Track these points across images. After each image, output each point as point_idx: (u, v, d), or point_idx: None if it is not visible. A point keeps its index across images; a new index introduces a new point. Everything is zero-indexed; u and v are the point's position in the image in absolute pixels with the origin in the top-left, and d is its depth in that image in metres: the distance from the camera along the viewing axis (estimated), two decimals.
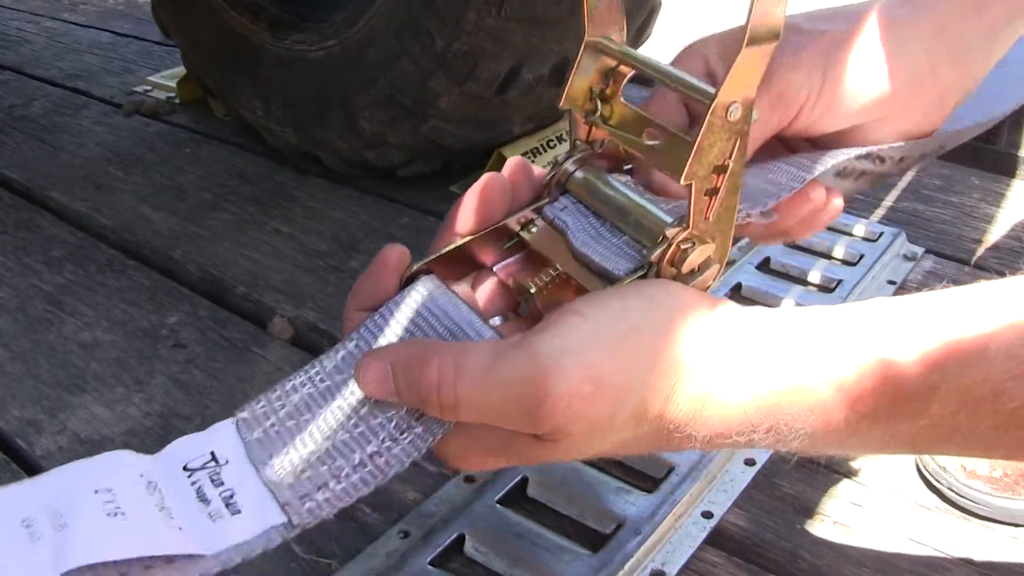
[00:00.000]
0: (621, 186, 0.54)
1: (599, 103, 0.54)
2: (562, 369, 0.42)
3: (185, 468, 0.47)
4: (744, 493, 0.81)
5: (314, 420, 0.48)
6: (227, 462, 0.47)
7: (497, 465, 0.51)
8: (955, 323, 0.44)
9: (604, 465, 0.83)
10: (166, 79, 1.87)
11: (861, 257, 1.12)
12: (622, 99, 0.53)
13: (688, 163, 0.46)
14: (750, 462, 0.83)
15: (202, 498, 0.45)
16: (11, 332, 1.10)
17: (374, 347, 0.50)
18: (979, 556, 0.76)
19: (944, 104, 0.59)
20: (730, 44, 0.57)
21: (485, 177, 0.54)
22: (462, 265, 0.54)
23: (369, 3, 1.25)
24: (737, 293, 1.07)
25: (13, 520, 0.42)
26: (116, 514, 0.43)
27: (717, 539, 0.77)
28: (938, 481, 0.81)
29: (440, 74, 1.21)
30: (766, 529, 0.78)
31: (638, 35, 1.37)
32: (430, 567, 0.74)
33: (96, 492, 0.43)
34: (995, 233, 1.22)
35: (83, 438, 0.92)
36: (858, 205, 1.29)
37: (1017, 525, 0.78)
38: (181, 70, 1.77)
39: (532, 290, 0.53)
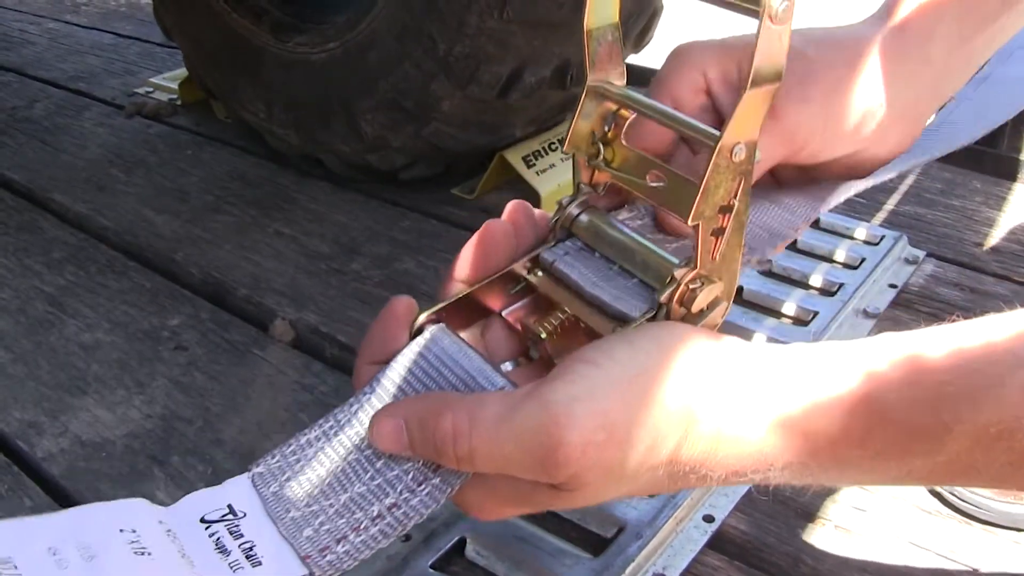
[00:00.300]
0: (626, 228, 0.55)
1: (601, 147, 0.54)
2: (574, 418, 0.43)
3: (203, 520, 0.47)
4: (746, 497, 0.81)
5: (331, 474, 0.49)
6: (245, 515, 0.48)
7: (517, 513, 0.51)
8: (967, 360, 0.44)
9: None
10: (168, 81, 1.87)
11: (863, 261, 1.12)
12: (624, 142, 0.54)
13: (695, 205, 0.47)
14: None
15: (221, 549, 0.46)
16: (12, 334, 1.10)
17: (387, 400, 0.50)
18: (981, 561, 0.76)
19: (917, 128, 0.61)
20: (727, 62, 0.57)
21: (486, 225, 0.54)
22: (470, 312, 0.55)
23: (371, 6, 1.25)
24: (739, 297, 1.07)
25: (39, 547, 0.42)
26: (143, 553, 0.44)
27: (718, 543, 0.77)
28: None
29: (442, 77, 1.21)
30: (768, 533, 0.78)
31: (640, 38, 1.37)
32: (431, 570, 0.74)
33: (121, 531, 0.44)
34: (997, 237, 1.22)
35: (84, 440, 0.92)
36: (859, 208, 1.29)
37: (1019, 530, 0.78)
38: (183, 72, 1.78)
39: (542, 335, 0.53)
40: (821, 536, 0.78)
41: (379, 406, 0.50)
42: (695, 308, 0.50)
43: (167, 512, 0.47)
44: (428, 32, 1.19)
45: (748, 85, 0.44)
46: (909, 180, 1.38)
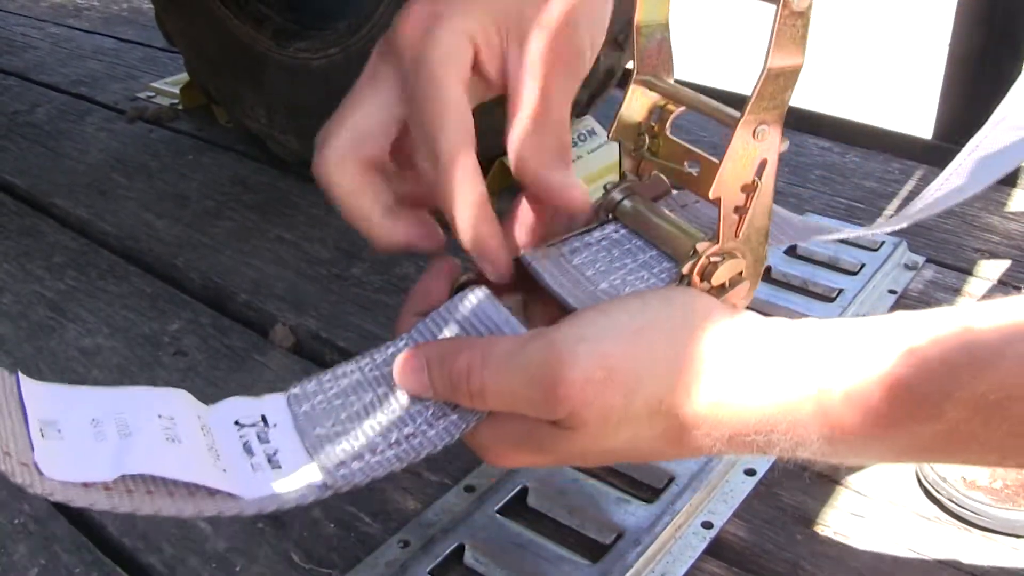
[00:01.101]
0: (666, 213, 0.57)
1: (647, 138, 0.57)
2: (576, 356, 0.45)
3: (236, 423, 0.51)
4: (744, 503, 0.81)
5: (358, 402, 0.53)
6: (275, 425, 0.52)
7: (525, 462, 0.55)
8: (970, 332, 0.44)
9: (604, 475, 0.83)
10: (169, 85, 1.88)
11: (862, 266, 1.12)
12: (669, 133, 0.57)
13: (717, 178, 0.50)
14: (750, 472, 0.83)
15: (248, 450, 0.50)
16: (13, 338, 1.10)
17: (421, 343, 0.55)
18: (980, 567, 0.76)
19: None
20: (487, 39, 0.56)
21: (519, 198, 0.59)
22: (513, 281, 0.57)
23: (372, 12, 1.25)
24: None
25: (84, 417, 0.46)
26: (173, 440, 0.47)
27: (717, 549, 0.77)
28: (938, 492, 0.81)
29: None
30: (766, 539, 0.78)
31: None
32: None
33: (159, 417, 0.48)
34: (996, 243, 1.22)
35: None
36: (859, 214, 1.29)
37: (1018, 536, 0.78)
38: (184, 76, 1.78)
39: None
40: (820, 543, 0.78)
41: None
42: (715, 281, 0.53)
43: (206, 410, 0.51)
44: None
45: (764, 69, 0.47)
46: (909, 185, 1.39)
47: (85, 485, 0.44)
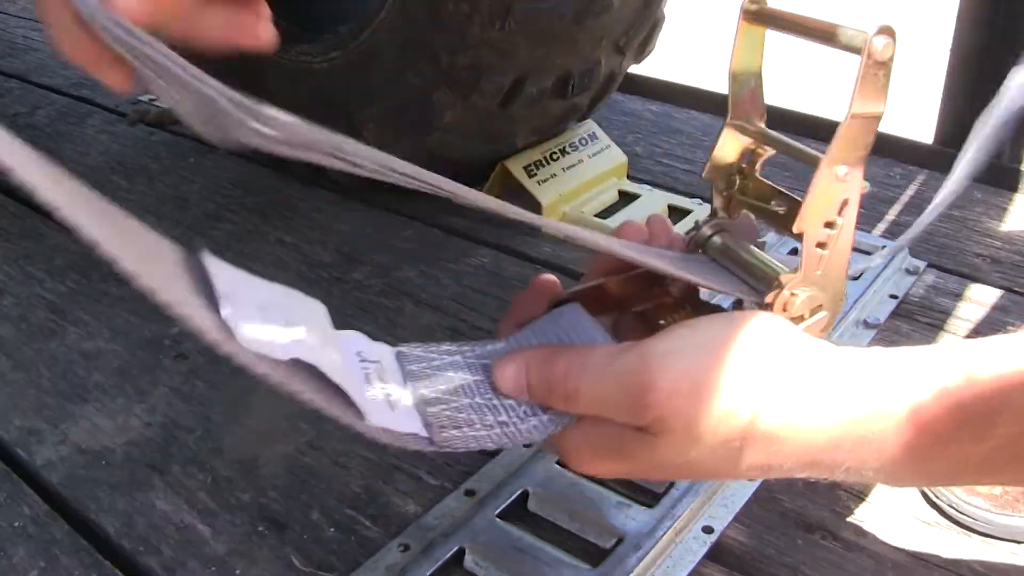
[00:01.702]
0: (752, 249, 0.61)
1: (738, 179, 0.61)
2: (665, 367, 0.49)
3: (359, 354, 0.54)
4: (745, 508, 0.81)
5: (459, 380, 0.55)
6: (389, 371, 0.54)
7: (606, 469, 0.56)
8: (1018, 356, 0.48)
9: (605, 479, 0.83)
10: None
11: (863, 272, 1.12)
12: (758, 175, 0.61)
13: (801, 213, 0.54)
14: None
15: (368, 381, 0.52)
16: (13, 341, 1.10)
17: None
18: (979, 572, 0.76)
19: None
20: None
21: (624, 224, 0.63)
22: (605, 301, 0.62)
23: (374, 16, 1.25)
24: (741, 306, 1.07)
25: (252, 300, 0.48)
26: (326, 345, 0.50)
27: (718, 554, 0.77)
28: (938, 497, 0.81)
29: (444, 87, 1.21)
30: (767, 544, 0.78)
31: (641, 49, 1.37)
32: None
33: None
34: (997, 247, 1.22)
35: (84, 448, 0.92)
36: (860, 219, 1.28)
37: (1017, 542, 0.78)
38: None
39: (663, 323, 0.60)
40: (820, 548, 0.78)
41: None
42: (795, 313, 0.56)
43: (336, 333, 0.53)
44: (430, 42, 1.19)
45: (848, 115, 0.51)
46: (910, 190, 1.39)
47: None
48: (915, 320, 1.06)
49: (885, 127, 1.56)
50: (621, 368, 0.50)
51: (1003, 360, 0.48)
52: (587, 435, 0.54)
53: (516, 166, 1.35)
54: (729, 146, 0.61)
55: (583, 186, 1.37)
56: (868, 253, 1.15)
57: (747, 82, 0.59)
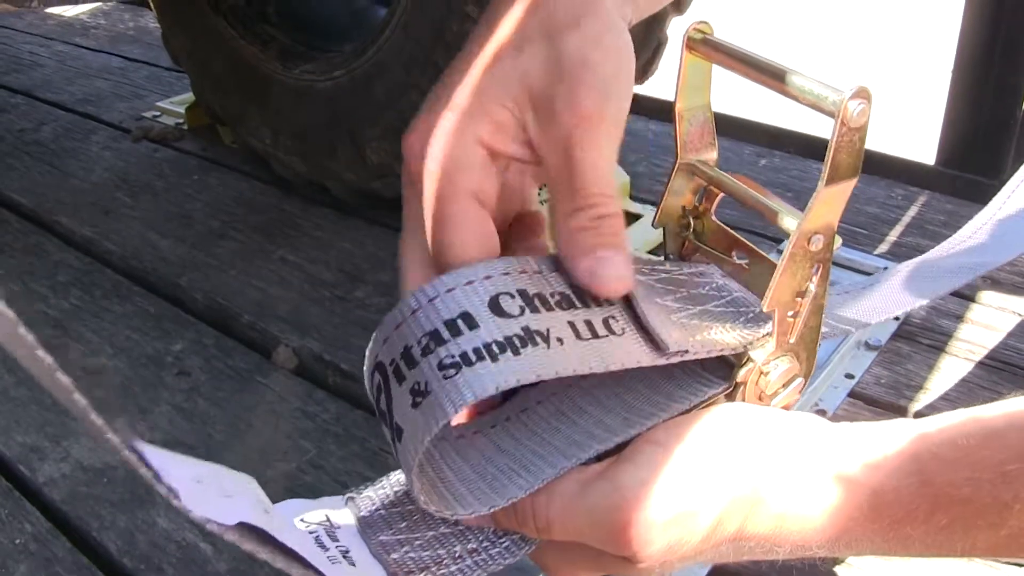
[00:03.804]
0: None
1: (691, 220, 0.57)
2: (641, 500, 0.46)
3: (302, 520, 0.50)
4: None
5: (419, 511, 0.51)
6: (339, 527, 0.51)
7: (590, 574, 0.54)
8: (1020, 436, 0.45)
9: None
10: (175, 105, 1.89)
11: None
12: (714, 217, 0.57)
13: (771, 292, 0.50)
14: None
15: (321, 544, 0.49)
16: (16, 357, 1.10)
17: None
18: None
19: None
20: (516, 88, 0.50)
21: None
22: None
23: (378, 35, 1.26)
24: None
25: (184, 477, 0.44)
26: (268, 512, 0.46)
27: (717, 570, 0.77)
28: None
29: None
30: (761, 560, 0.78)
31: (643, 71, 1.38)
32: None
33: (259, 501, 0.47)
34: (999, 270, 1.22)
35: (86, 465, 0.92)
36: (861, 240, 1.29)
37: (1019, 565, 0.78)
38: (190, 96, 1.79)
39: None
40: (821, 563, 0.78)
41: None
42: (769, 390, 0.53)
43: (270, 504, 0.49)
44: (434, 61, 1.20)
45: (824, 182, 0.47)
46: (912, 211, 1.39)
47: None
48: (916, 342, 1.06)
49: (887, 148, 1.56)
50: (594, 503, 0.47)
51: (1006, 445, 0.45)
52: (566, 554, 0.51)
53: None
54: (681, 187, 0.57)
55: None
56: (869, 274, 1.15)
57: (696, 117, 0.55)
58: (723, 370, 0.53)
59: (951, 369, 1.01)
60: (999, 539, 0.46)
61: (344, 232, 1.38)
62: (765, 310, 0.50)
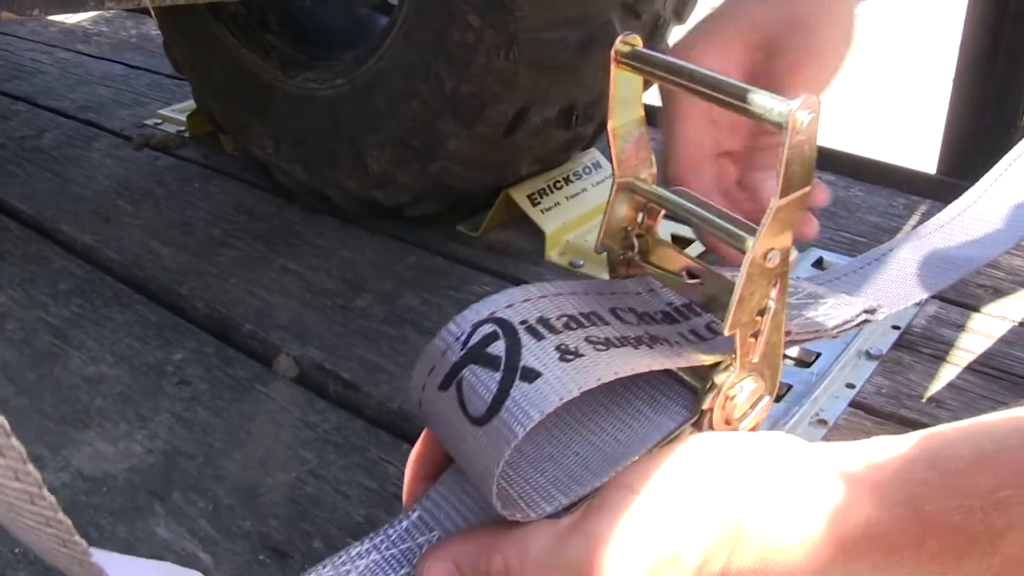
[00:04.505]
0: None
1: (635, 240, 0.55)
2: (618, 550, 0.44)
3: None
4: None
5: None
6: None
7: None
8: (1015, 465, 0.43)
9: None
10: (176, 113, 1.89)
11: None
12: (657, 234, 0.55)
13: (731, 316, 0.47)
14: None
15: None
16: (17, 365, 1.10)
17: (438, 519, 0.51)
18: None
19: None
20: (748, 32, 0.62)
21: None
22: None
23: (379, 44, 1.26)
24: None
25: None
26: None
27: None
28: None
29: (448, 115, 1.22)
30: None
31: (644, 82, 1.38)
32: None
33: None
34: (1000, 278, 1.22)
35: (86, 475, 0.92)
36: (862, 249, 1.29)
37: None
38: (191, 104, 1.79)
39: None
40: None
41: (430, 522, 0.51)
42: (737, 414, 0.51)
43: None
44: (435, 71, 1.20)
45: (778, 195, 0.45)
46: (913, 220, 1.39)
47: None
48: (917, 351, 1.06)
49: (888, 157, 1.55)
50: (568, 558, 0.45)
51: (1003, 472, 0.43)
52: None
53: (520, 195, 1.35)
54: (621, 207, 0.55)
55: (587, 215, 1.38)
56: None
57: (630, 134, 0.54)
58: (687, 400, 0.51)
59: (952, 379, 1.01)
60: (991, 566, 0.44)
61: (345, 241, 1.38)
62: (726, 334, 0.48)
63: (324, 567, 0.50)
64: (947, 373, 1.02)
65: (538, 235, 1.32)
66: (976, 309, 1.15)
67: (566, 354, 0.46)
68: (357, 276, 1.28)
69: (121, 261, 1.35)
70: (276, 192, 1.54)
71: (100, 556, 0.42)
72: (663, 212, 0.54)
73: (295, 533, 0.84)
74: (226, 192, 1.57)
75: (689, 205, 0.52)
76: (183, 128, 1.83)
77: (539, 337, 0.46)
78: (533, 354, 0.46)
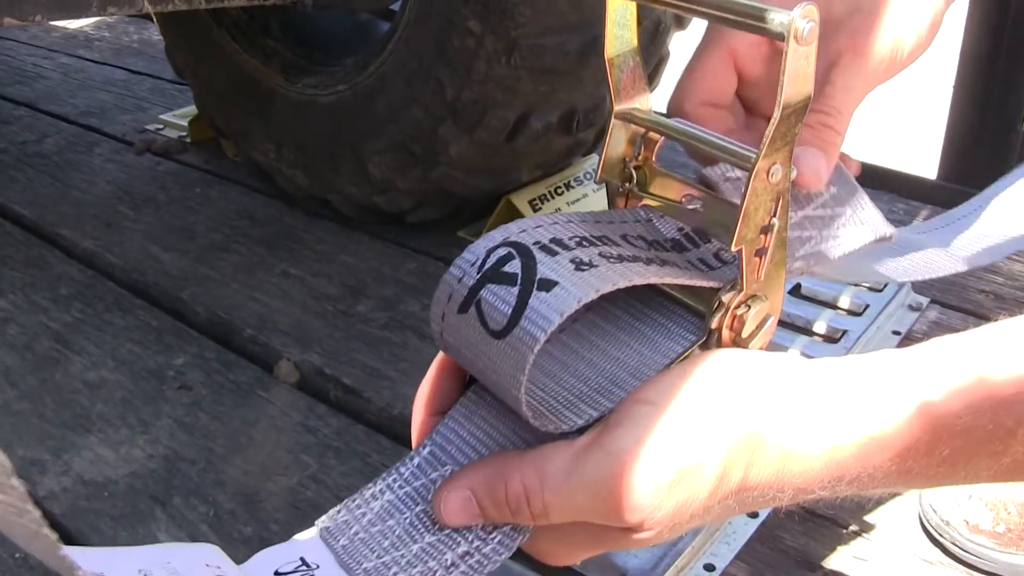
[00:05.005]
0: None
1: (633, 171, 0.55)
2: (639, 464, 0.44)
3: (277, 573, 0.47)
4: (747, 546, 0.80)
5: (400, 525, 0.49)
6: (318, 566, 0.48)
7: (590, 555, 0.52)
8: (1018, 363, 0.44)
9: None
10: (178, 118, 1.89)
11: (866, 307, 1.12)
12: (656, 164, 0.55)
13: (737, 231, 0.48)
14: (753, 514, 0.83)
15: None
16: (18, 370, 1.11)
17: (450, 453, 0.51)
18: None
19: None
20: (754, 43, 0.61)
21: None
22: None
23: (380, 50, 1.26)
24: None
25: (131, 568, 0.43)
26: None
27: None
28: (941, 536, 0.81)
29: (450, 121, 1.22)
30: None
31: (651, 79, 1.38)
32: None
33: (207, 565, 0.46)
34: (1000, 284, 1.22)
35: (87, 480, 0.92)
36: None
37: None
38: (193, 109, 1.79)
39: None
40: None
41: (442, 457, 0.50)
42: (745, 332, 0.51)
43: (239, 568, 0.47)
44: (437, 77, 1.20)
45: (779, 107, 0.45)
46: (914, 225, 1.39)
47: None
48: None
49: (889, 162, 1.55)
50: (589, 476, 0.44)
51: (1015, 372, 0.43)
52: (565, 538, 0.49)
53: (521, 200, 1.35)
54: (619, 138, 0.55)
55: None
56: (874, 290, 1.15)
57: (625, 63, 0.53)
58: (694, 320, 0.52)
59: None
60: (1002, 467, 0.45)
61: (346, 246, 1.39)
62: (732, 250, 0.48)
63: (339, 512, 0.50)
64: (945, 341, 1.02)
65: None
66: (977, 314, 1.15)
67: (581, 265, 0.46)
68: (358, 282, 1.28)
69: (122, 266, 1.35)
70: (277, 197, 1.54)
71: (105, 553, 0.43)
72: (661, 141, 0.54)
73: None
74: (227, 197, 1.57)
75: (689, 129, 0.52)
76: (184, 133, 1.83)
77: (553, 254, 0.46)
78: (549, 267, 0.46)
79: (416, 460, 0.51)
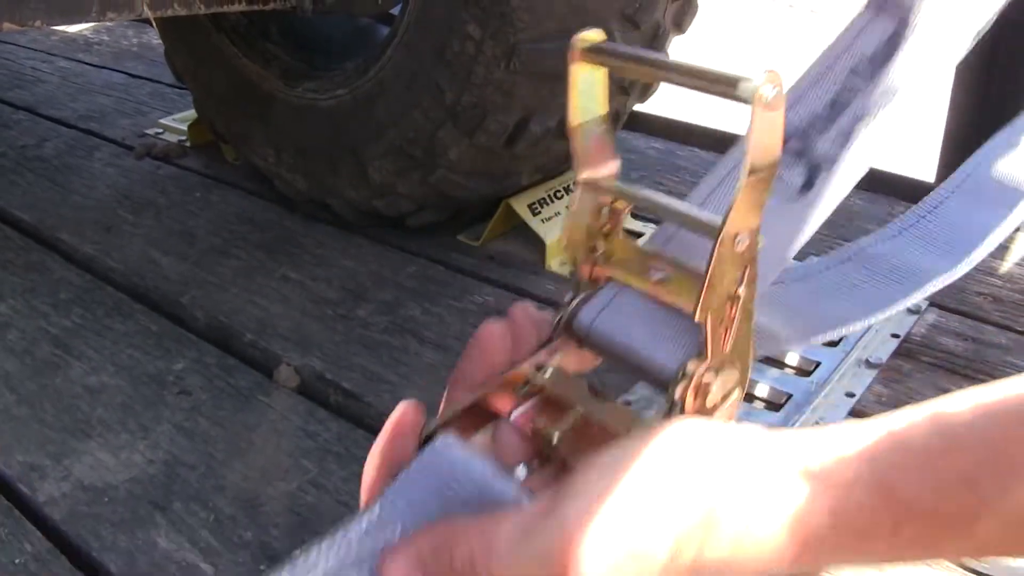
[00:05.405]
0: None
1: (599, 241, 0.54)
2: (590, 536, 0.42)
3: None
4: None
5: None
6: None
7: None
8: (991, 442, 0.43)
9: None
10: (178, 122, 1.89)
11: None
12: (621, 235, 0.54)
13: (701, 300, 0.46)
14: None
15: None
16: (18, 375, 1.11)
17: (398, 516, 0.49)
18: None
19: None
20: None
21: (483, 326, 0.54)
22: (478, 416, 0.53)
23: (380, 54, 1.26)
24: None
25: None
26: None
27: None
28: None
29: (449, 126, 1.22)
30: None
31: (644, 89, 1.38)
32: None
33: None
34: (999, 286, 1.22)
35: (87, 485, 0.92)
36: None
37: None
38: (193, 113, 1.79)
39: (554, 440, 0.51)
40: None
41: (389, 521, 0.49)
42: (709, 403, 0.50)
43: None
44: (436, 81, 1.20)
45: (745, 174, 0.44)
46: None
47: None
48: (917, 360, 1.06)
49: (887, 166, 1.55)
50: (537, 548, 0.43)
51: (979, 451, 0.42)
52: None
53: (520, 204, 1.36)
54: (584, 208, 0.53)
55: None
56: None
57: (591, 131, 0.52)
58: (658, 380, 0.51)
59: (952, 387, 1.01)
60: (967, 549, 0.44)
61: (346, 250, 1.39)
62: (697, 320, 0.47)
63: (282, 570, 0.48)
64: (947, 381, 1.02)
65: (539, 245, 1.33)
66: (975, 317, 1.15)
67: None
68: (358, 286, 1.28)
69: (122, 271, 1.35)
70: (277, 202, 1.54)
71: None
72: (627, 210, 0.53)
73: (296, 543, 0.84)
74: (227, 202, 1.57)
75: (655, 199, 0.51)
76: (184, 137, 1.84)
77: None
78: None
79: (364, 523, 0.50)
